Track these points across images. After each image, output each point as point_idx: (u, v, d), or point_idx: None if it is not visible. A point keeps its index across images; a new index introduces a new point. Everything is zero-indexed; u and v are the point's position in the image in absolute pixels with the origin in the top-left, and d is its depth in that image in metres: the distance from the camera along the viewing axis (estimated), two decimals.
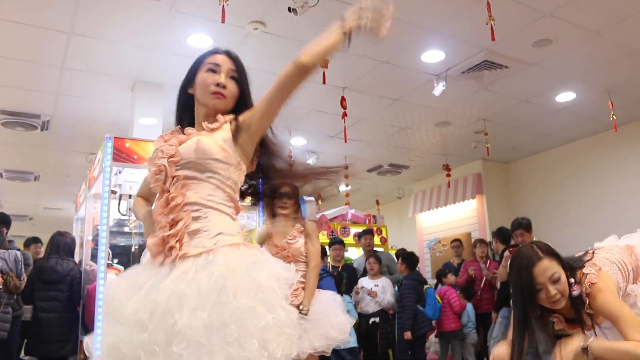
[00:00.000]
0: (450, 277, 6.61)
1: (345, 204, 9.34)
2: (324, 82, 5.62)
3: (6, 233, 5.58)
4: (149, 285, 1.71)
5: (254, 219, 5.66)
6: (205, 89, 1.93)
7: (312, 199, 9.04)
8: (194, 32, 5.20)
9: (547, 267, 2.30)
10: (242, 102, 2.00)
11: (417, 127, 8.04)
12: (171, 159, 1.84)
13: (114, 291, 1.82)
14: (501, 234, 6.53)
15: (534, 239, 5.72)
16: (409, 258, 6.51)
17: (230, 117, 1.95)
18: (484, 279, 6.88)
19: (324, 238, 7.84)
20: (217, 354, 1.55)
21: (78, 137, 7.74)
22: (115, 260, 5.71)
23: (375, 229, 8.48)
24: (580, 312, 2.36)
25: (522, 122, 7.96)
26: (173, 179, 1.83)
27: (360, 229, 8.39)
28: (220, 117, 1.94)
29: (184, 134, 1.93)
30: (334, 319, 3.56)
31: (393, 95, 6.82)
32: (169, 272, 1.72)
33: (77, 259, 5.96)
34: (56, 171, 9.28)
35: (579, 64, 6.17)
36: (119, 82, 6.18)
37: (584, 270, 2.43)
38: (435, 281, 7.29)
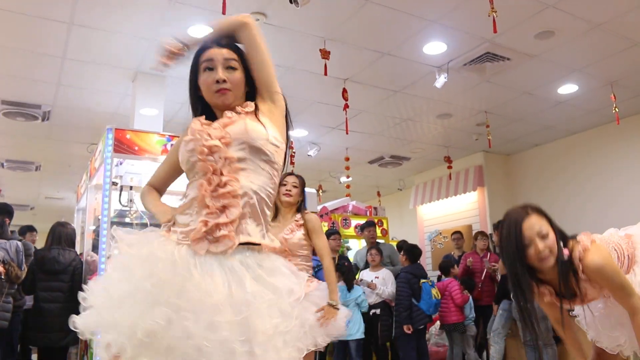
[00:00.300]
0: (453, 271, 6.63)
1: (346, 196, 9.34)
2: (325, 74, 5.59)
3: (9, 223, 5.59)
4: (206, 277, 1.65)
5: None
6: (208, 90, 1.91)
7: (313, 190, 9.07)
8: (194, 23, 5.17)
9: (536, 223, 2.33)
10: (250, 87, 1.97)
11: (419, 119, 8.03)
12: (222, 139, 1.79)
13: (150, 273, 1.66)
14: None
15: None
16: (411, 250, 6.48)
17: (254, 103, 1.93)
18: (484, 272, 6.89)
19: (325, 229, 7.85)
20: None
21: (79, 128, 7.74)
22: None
23: (376, 220, 8.47)
24: (568, 278, 2.34)
25: (524, 114, 7.93)
26: (225, 161, 1.77)
27: (361, 221, 8.38)
28: (247, 104, 1.91)
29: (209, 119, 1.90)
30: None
31: (395, 87, 6.81)
32: (226, 266, 1.70)
33: (78, 249, 5.97)
34: (57, 161, 9.29)
35: (582, 56, 6.14)
36: (120, 73, 6.17)
37: (577, 238, 2.43)
38: (438, 273, 7.31)
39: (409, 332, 5.97)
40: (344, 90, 6.35)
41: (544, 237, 2.31)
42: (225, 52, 1.94)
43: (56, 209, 12.23)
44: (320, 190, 10.79)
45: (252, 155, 1.80)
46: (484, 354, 7.23)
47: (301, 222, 3.64)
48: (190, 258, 1.69)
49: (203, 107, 1.98)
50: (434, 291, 6.23)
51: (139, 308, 1.59)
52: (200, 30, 5.29)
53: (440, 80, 6.20)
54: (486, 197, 9.57)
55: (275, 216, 3.65)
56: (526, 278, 2.35)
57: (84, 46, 5.53)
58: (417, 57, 6.00)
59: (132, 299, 1.62)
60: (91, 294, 1.69)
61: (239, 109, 1.88)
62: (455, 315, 6.35)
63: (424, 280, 6.20)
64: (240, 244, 1.74)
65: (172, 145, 4.05)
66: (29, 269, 5.12)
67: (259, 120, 1.85)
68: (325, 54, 5.56)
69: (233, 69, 1.93)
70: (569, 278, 2.35)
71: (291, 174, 3.80)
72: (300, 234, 3.59)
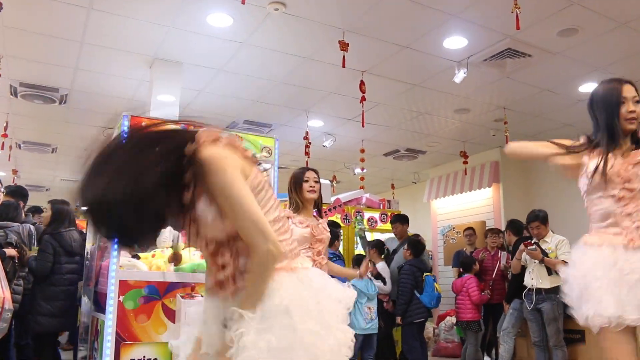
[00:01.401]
0: (476, 268, 6.61)
1: (360, 188, 9.30)
2: (343, 66, 5.55)
3: (23, 206, 5.61)
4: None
5: None
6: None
7: (327, 181, 9.04)
8: (213, 11, 5.14)
9: (633, 90, 2.61)
10: None
11: (436, 113, 7.96)
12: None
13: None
14: (514, 226, 6.49)
15: (550, 231, 5.66)
16: (414, 245, 6.52)
17: None
18: (495, 270, 6.84)
19: (337, 221, 7.82)
20: None
21: (95, 112, 7.76)
22: None
23: (389, 214, 8.44)
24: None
25: (543, 111, 7.83)
26: None
27: (374, 214, 8.37)
28: None
29: None
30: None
31: (413, 81, 6.74)
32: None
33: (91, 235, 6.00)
34: (73, 144, 9.33)
35: (605, 54, 6.03)
36: (138, 59, 6.16)
37: None
38: (449, 267, 7.29)
39: (399, 323, 6.22)
40: (362, 83, 6.30)
41: (637, 102, 2.57)
42: None
43: (71, 191, 12.34)
44: (335, 181, 10.75)
45: None
46: (493, 352, 7.20)
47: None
48: None
49: None
50: (437, 285, 6.27)
51: None
52: (219, 19, 5.27)
53: (460, 75, 6.13)
54: (501, 194, 9.48)
55: (297, 211, 3.68)
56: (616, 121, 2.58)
57: (103, 31, 5.53)
58: (436, 51, 5.92)
59: None
60: None
61: None
62: (471, 312, 6.33)
63: (427, 274, 6.23)
64: None
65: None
66: (49, 251, 5.01)
67: None
68: (344, 46, 5.51)
69: None
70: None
71: (310, 168, 3.79)
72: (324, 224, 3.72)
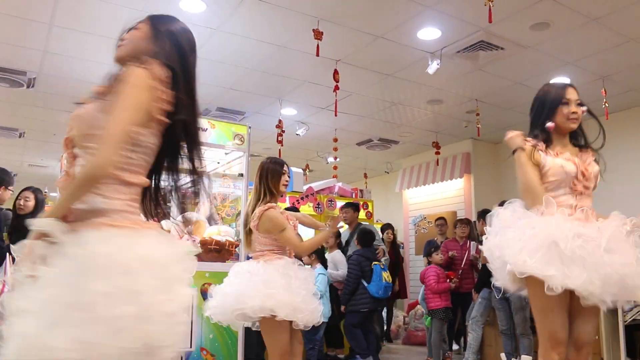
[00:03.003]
0: (436, 256, 6.66)
1: (333, 177, 9.32)
2: (317, 55, 5.53)
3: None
4: None
5: (240, 188, 5.61)
6: None
7: (300, 170, 9.03)
8: None
9: (577, 93, 2.84)
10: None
11: (409, 104, 7.99)
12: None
13: None
14: (486, 216, 6.55)
15: None
16: (362, 235, 6.58)
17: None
18: (464, 259, 6.93)
19: (310, 210, 7.83)
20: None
21: (65, 97, 7.60)
22: None
23: (361, 203, 8.47)
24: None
25: (515, 104, 7.92)
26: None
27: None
28: None
29: None
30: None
31: (386, 71, 6.75)
32: None
33: None
34: (42, 129, 9.14)
35: (575, 49, 6.12)
36: (109, 43, 5.95)
37: None
38: (421, 257, 7.36)
39: (343, 311, 6.28)
40: (336, 72, 6.28)
41: (579, 105, 2.83)
42: None
43: (39, 177, 12.07)
44: (307, 170, 10.74)
45: None
46: (462, 340, 7.32)
47: None
48: None
49: None
50: (385, 274, 6.29)
51: None
52: (192, 5, 5.19)
53: (433, 67, 6.16)
54: (472, 185, 9.59)
55: (273, 200, 3.68)
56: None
57: (72, 14, 5.40)
58: (410, 41, 5.94)
59: None
60: None
61: None
62: (433, 301, 6.40)
63: (375, 263, 6.26)
64: None
65: None
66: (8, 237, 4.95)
67: None
68: (318, 34, 5.48)
69: None
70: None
71: (284, 162, 3.82)
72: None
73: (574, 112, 2.80)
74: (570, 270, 2.39)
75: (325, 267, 6.40)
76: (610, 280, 2.39)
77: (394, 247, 8.44)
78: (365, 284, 6.18)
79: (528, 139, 2.86)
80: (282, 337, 3.29)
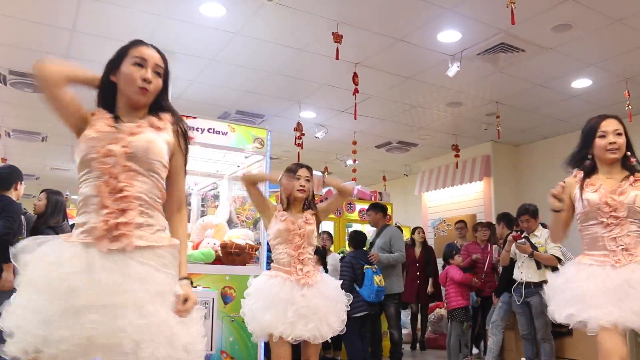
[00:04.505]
0: (457, 259, 6.60)
1: (352, 180, 9.30)
2: (336, 58, 5.53)
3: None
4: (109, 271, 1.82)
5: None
6: (132, 83, 1.99)
7: (319, 173, 9.02)
8: (207, 0, 5.10)
9: (616, 123, 2.86)
10: (160, 97, 2.08)
11: (429, 106, 7.96)
12: (124, 148, 1.92)
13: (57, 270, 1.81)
14: (507, 219, 6.49)
15: (540, 225, 5.69)
16: (353, 237, 6.49)
17: (172, 119, 2.06)
18: (487, 263, 6.87)
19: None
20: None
21: (87, 101, 7.66)
22: None
23: None
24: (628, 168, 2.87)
25: (535, 106, 7.85)
26: (123, 168, 1.91)
27: (365, 206, 8.34)
28: (165, 117, 2.05)
29: (115, 119, 2.00)
30: (340, 307, 3.59)
31: (406, 74, 6.73)
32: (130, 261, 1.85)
33: None
34: (63, 133, 9.21)
35: (598, 51, 6.04)
36: None
37: None
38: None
39: None
40: (355, 75, 6.28)
41: (618, 135, 2.84)
42: (159, 60, 2.06)
43: (61, 180, 12.23)
44: (326, 173, 10.75)
45: (143, 168, 1.96)
46: (482, 345, 7.25)
47: (314, 213, 3.61)
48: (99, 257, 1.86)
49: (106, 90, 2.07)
50: (377, 278, 6.12)
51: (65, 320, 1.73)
52: (212, 9, 5.22)
53: (453, 69, 6.12)
54: (492, 188, 9.51)
55: (287, 207, 3.60)
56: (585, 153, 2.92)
57: (94, 19, 5.46)
58: (430, 44, 5.91)
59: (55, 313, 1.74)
60: (10, 316, 1.79)
61: (152, 120, 2.04)
62: (456, 300, 6.34)
63: (367, 267, 6.13)
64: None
65: None
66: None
67: (162, 140, 2.03)
68: (337, 38, 5.48)
69: (158, 75, 2.06)
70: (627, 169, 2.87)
71: (303, 165, 3.67)
72: (314, 224, 3.58)
73: (611, 143, 2.82)
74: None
75: (326, 270, 6.35)
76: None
77: (425, 248, 8.21)
78: (357, 288, 6.06)
79: (573, 170, 2.98)
80: (279, 353, 3.27)
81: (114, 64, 2.04)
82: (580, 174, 2.92)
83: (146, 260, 1.87)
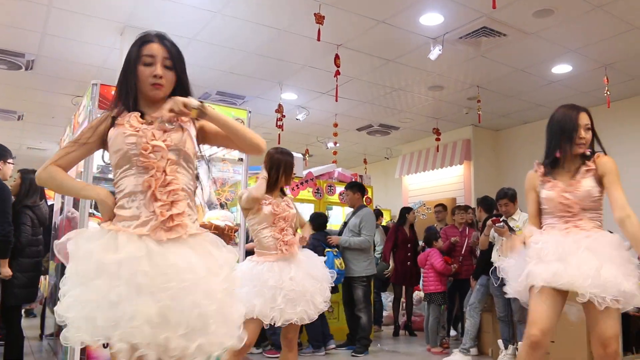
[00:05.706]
0: (440, 242, 6.66)
1: (333, 162, 9.30)
2: (318, 39, 5.48)
3: None
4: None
5: (240, 173, 5.58)
6: (144, 81, 2.10)
7: (300, 155, 9.00)
8: None
9: (587, 118, 2.94)
10: (180, 85, 2.17)
11: (410, 89, 7.96)
12: (165, 142, 2.03)
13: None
14: (485, 203, 6.55)
15: (518, 209, 5.75)
16: (314, 219, 6.43)
17: (193, 114, 2.11)
18: (464, 246, 6.94)
19: (309, 195, 7.82)
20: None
21: (64, 79, 7.57)
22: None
23: None
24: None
25: (516, 91, 7.89)
26: (167, 162, 2.03)
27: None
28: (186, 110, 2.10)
29: (142, 115, 2.09)
30: (325, 286, 3.61)
31: (388, 56, 6.71)
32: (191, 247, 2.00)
33: (58, 205, 5.89)
34: (41, 112, 9.11)
35: (579, 36, 6.07)
36: (108, 26, 5.99)
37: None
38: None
39: None
40: (337, 57, 6.24)
41: (586, 130, 2.91)
42: (165, 52, 2.13)
43: (38, 160, 12.05)
44: (307, 155, 10.73)
45: (183, 161, 2.10)
46: (459, 327, 7.34)
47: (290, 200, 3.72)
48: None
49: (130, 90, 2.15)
50: (338, 262, 6.13)
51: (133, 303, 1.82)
52: None
53: (435, 52, 6.12)
54: (472, 171, 9.58)
55: (270, 190, 3.61)
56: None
57: None
58: (413, 27, 5.89)
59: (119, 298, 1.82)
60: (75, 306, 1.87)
61: (180, 120, 2.12)
62: (434, 284, 6.42)
63: (328, 250, 6.14)
64: None
65: None
66: (28, 223, 4.83)
67: (191, 134, 2.16)
68: (319, 19, 5.43)
69: (169, 68, 2.13)
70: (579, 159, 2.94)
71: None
72: (295, 209, 3.68)
73: (581, 138, 2.90)
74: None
75: None
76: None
77: (413, 230, 8.10)
78: None
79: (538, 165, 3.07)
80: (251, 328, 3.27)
81: (131, 69, 2.12)
82: (541, 168, 3.02)
83: (199, 246, 2.01)
